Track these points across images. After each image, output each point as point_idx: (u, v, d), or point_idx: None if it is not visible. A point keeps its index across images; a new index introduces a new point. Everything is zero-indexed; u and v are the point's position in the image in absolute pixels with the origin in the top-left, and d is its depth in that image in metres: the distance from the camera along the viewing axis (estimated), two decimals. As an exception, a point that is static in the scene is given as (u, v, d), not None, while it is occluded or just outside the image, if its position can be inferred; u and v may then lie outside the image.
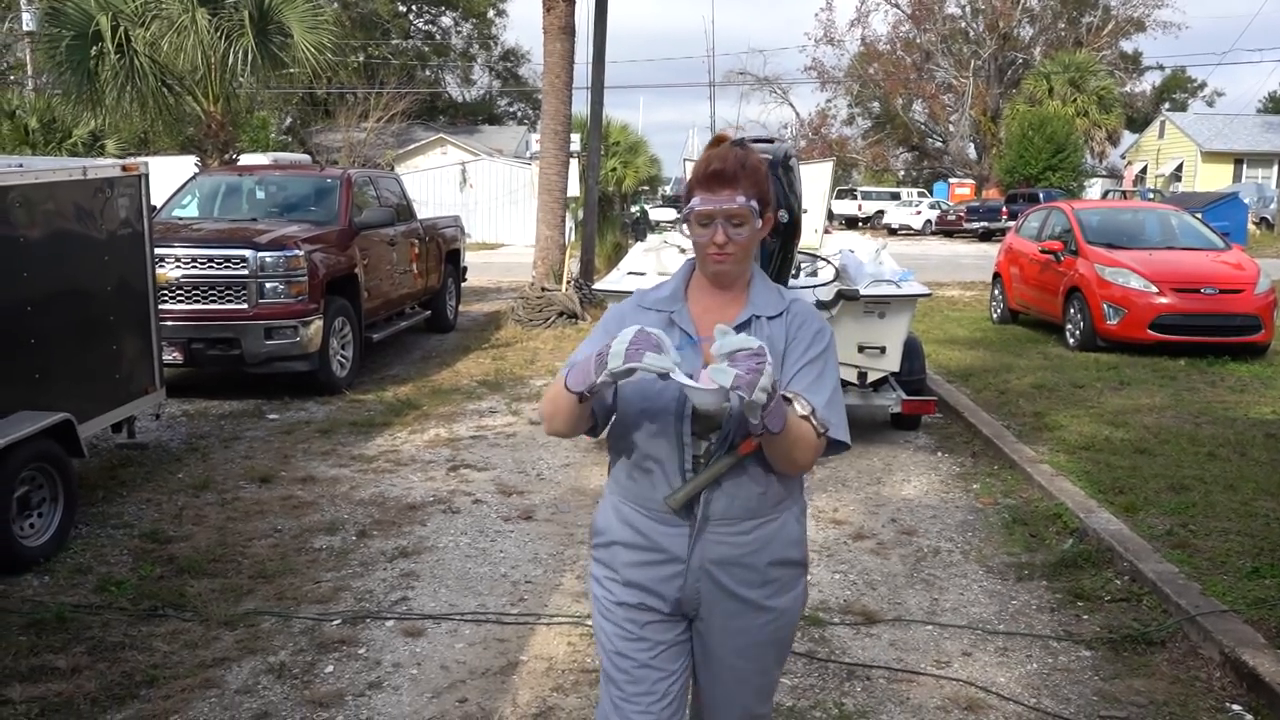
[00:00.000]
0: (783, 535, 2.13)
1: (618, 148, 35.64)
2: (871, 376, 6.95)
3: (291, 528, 5.36)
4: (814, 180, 8.05)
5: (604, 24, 13.42)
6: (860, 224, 41.25)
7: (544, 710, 3.56)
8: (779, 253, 5.84)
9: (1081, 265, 11.07)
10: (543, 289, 12.86)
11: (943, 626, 4.26)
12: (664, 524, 2.10)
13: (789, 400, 1.95)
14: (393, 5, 48.37)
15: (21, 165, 5.27)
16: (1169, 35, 58.36)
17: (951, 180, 46.32)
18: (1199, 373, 9.54)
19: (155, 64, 13.76)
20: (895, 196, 43.85)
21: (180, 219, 9.42)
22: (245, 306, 8.01)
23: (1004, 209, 33.27)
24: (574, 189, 14.50)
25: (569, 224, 14.86)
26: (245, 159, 16.12)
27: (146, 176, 6.15)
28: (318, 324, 8.23)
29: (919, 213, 39.55)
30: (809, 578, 4.64)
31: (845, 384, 6.92)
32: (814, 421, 1.97)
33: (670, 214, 25.35)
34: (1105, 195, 38.08)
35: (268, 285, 8.03)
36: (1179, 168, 43.64)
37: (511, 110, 57.28)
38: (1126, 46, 50.32)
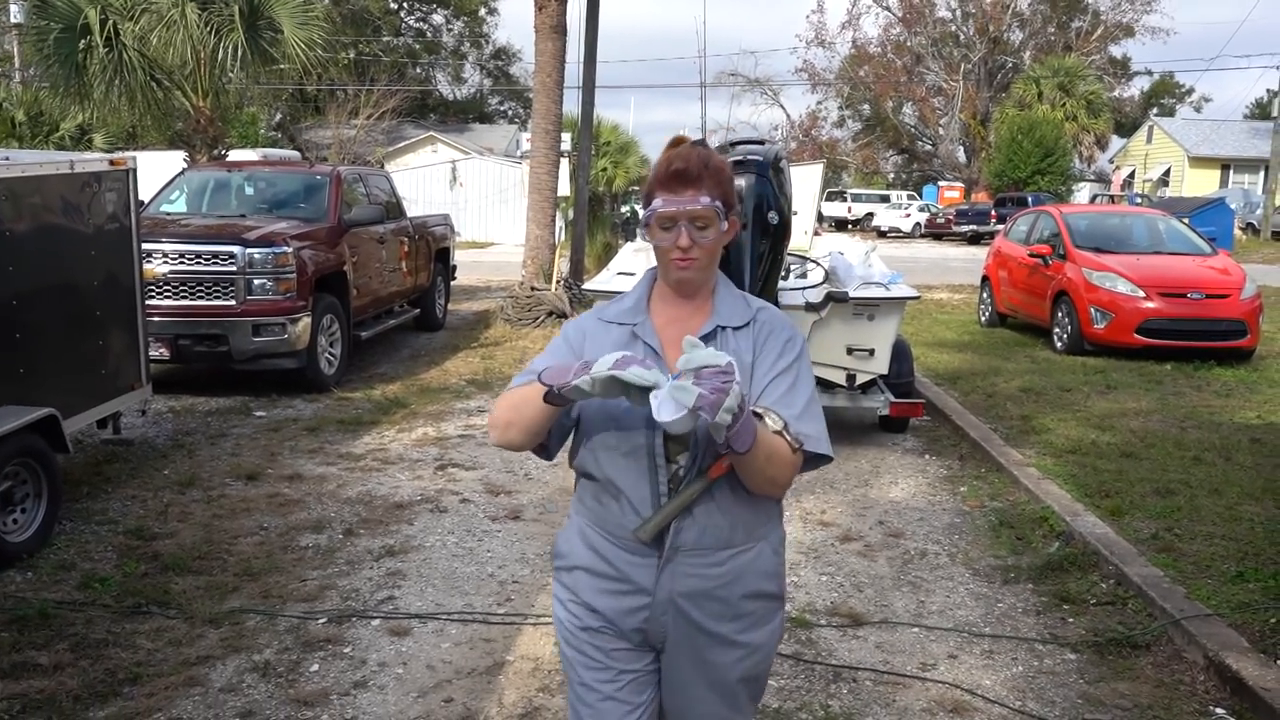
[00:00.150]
0: (758, 566, 2.01)
1: (608, 148, 35.66)
2: (860, 379, 6.97)
3: (278, 526, 5.34)
4: (804, 182, 8.05)
5: (595, 23, 13.42)
6: (850, 226, 41.31)
7: (530, 710, 3.55)
8: (769, 254, 5.84)
9: (1069, 269, 11.11)
10: (532, 288, 12.84)
11: (929, 629, 4.27)
12: (631, 552, 1.97)
13: (759, 416, 1.83)
14: (384, 2, 48.25)
15: (8, 158, 5.24)
16: (1157, 41, 58.64)
17: (941, 183, 46.48)
18: (1185, 377, 9.59)
19: (144, 58, 13.67)
20: (885, 199, 43.95)
21: (168, 214, 9.37)
22: (233, 303, 7.97)
23: (993, 212, 33.38)
24: (564, 188, 14.47)
25: (559, 223, 14.84)
26: (234, 155, 16.04)
27: (134, 171, 6.12)
28: (306, 321, 8.20)
29: (908, 215, 39.65)
30: (795, 579, 4.68)
31: (833, 386, 6.94)
32: (787, 437, 1.86)
33: None
34: (1093, 199, 38.22)
35: (256, 282, 7.99)
36: (1167, 173, 43.91)
37: (502, 109, 57.22)
38: (1115, 51, 50.58)
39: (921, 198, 44.77)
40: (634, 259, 8.29)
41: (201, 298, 7.98)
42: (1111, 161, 48.43)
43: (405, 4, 51.85)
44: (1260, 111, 57.27)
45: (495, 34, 56.19)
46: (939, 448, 7.25)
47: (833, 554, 5.13)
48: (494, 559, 4.97)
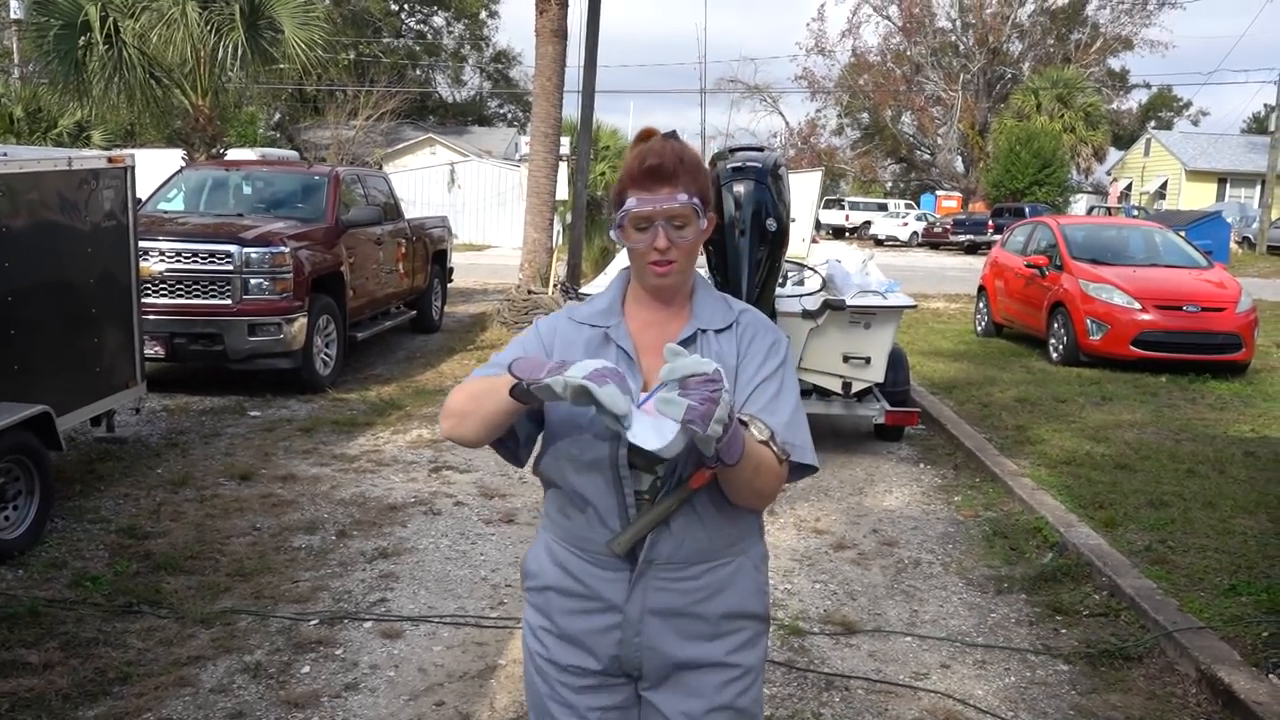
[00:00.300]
0: (738, 583, 1.88)
1: (607, 152, 35.67)
2: (856, 387, 6.97)
3: (270, 526, 5.32)
4: (802, 189, 8.06)
5: (596, 28, 13.42)
6: (847, 234, 41.39)
7: (521, 714, 3.54)
8: (766, 261, 5.84)
9: (1066, 280, 11.13)
10: (529, 291, 12.83)
11: (922, 638, 4.27)
12: (601, 567, 1.84)
13: (744, 424, 1.70)
14: (384, 4, 48.29)
15: (6, 154, 5.23)
16: (1156, 54, 58.97)
17: (939, 193, 46.54)
18: (1180, 390, 9.61)
19: (144, 56, 13.66)
20: (882, 208, 43.99)
21: (165, 212, 9.36)
22: (229, 302, 7.96)
23: (990, 222, 33.43)
24: (563, 192, 14.48)
25: (557, 227, 14.85)
26: (232, 154, 16.05)
27: (132, 169, 6.11)
28: (302, 321, 8.19)
29: (905, 224, 39.69)
30: (789, 587, 4.68)
31: (829, 393, 6.94)
32: (774, 447, 1.73)
33: None
34: (1090, 211, 38.33)
35: (252, 281, 7.98)
36: (1163, 185, 44.02)
37: (501, 112, 57.27)
38: (1114, 64, 50.76)
39: (919, 207, 44.83)
40: (631, 264, 8.27)
41: (197, 296, 7.97)
42: (1109, 173, 48.55)
43: (406, 5, 51.89)
44: (1257, 126, 57.50)
45: (495, 37, 56.35)
46: (934, 457, 7.26)
47: (826, 562, 5.13)
48: (487, 562, 4.96)
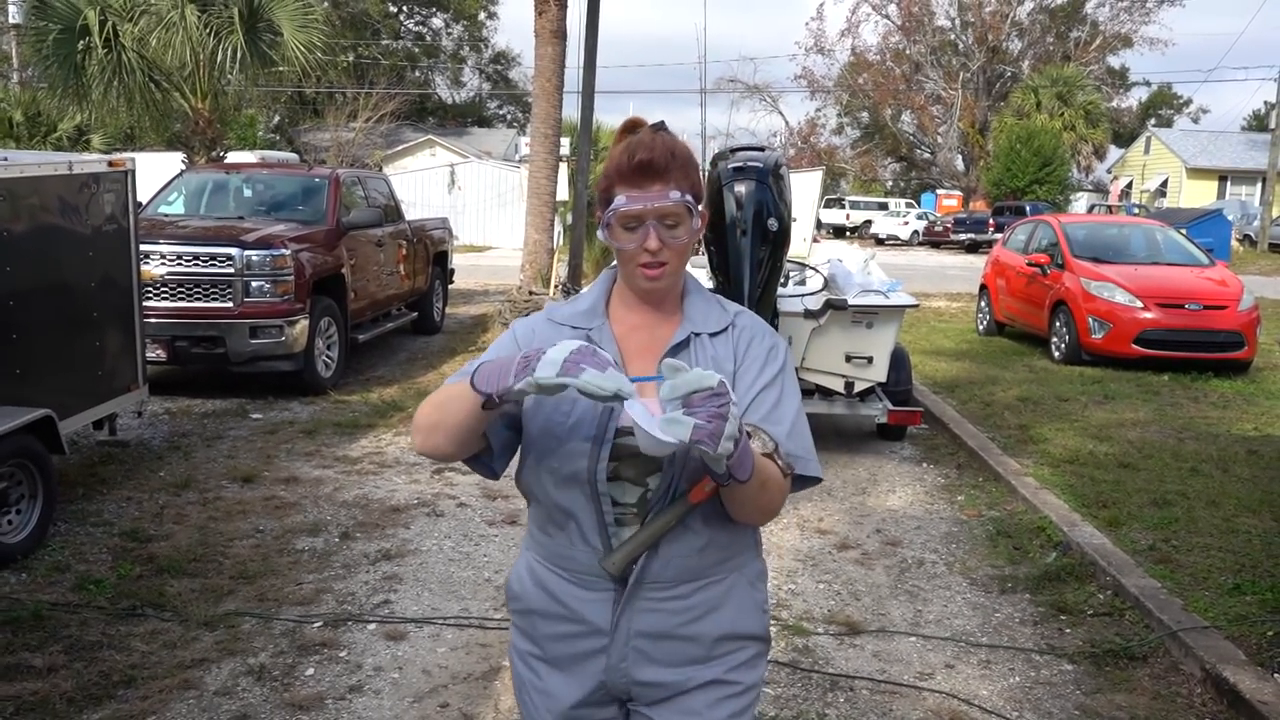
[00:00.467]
0: (733, 601, 1.75)
1: (607, 152, 35.64)
2: (858, 386, 6.96)
3: (274, 528, 5.32)
4: (803, 189, 8.06)
5: (596, 28, 13.41)
6: (848, 233, 41.38)
7: (526, 717, 3.54)
8: (768, 261, 5.83)
9: (1067, 279, 11.12)
10: (530, 292, 12.82)
11: (926, 638, 4.26)
12: (584, 588, 1.72)
13: (748, 435, 1.59)
14: (383, 5, 48.28)
15: (6, 159, 5.23)
16: (1156, 52, 58.98)
17: (939, 191, 46.54)
18: (1182, 388, 9.60)
19: (143, 59, 13.66)
20: (883, 207, 44.00)
21: (166, 216, 9.36)
22: (230, 305, 7.96)
23: (991, 221, 33.43)
24: (563, 193, 14.47)
25: (557, 228, 14.84)
26: (232, 157, 16.04)
27: (133, 172, 6.11)
28: (303, 324, 8.19)
29: (906, 223, 39.70)
30: (792, 587, 4.67)
31: (831, 393, 6.93)
32: (779, 460, 1.62)
33: None
34: (1091, 209, 38.31)
35: (253, 284, 7.98)
36: (1164, 183, 43.99)
37: (501, 113, 57.28)
38: (1114, 62, 50.74)
39: (920, 206, 44.83)
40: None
41: (199, 299, 7.97)
42: (1109, 171, 48.54)
43: (405, 7, 51.90)
44: (1258, 123, 57.48)
45: (495, 38, 56.47)
46: (936, 456, 7.25)
47: (830, 562, 5.12)
48: (490, 563, 4.95)
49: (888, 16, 48.97)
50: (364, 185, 10.56)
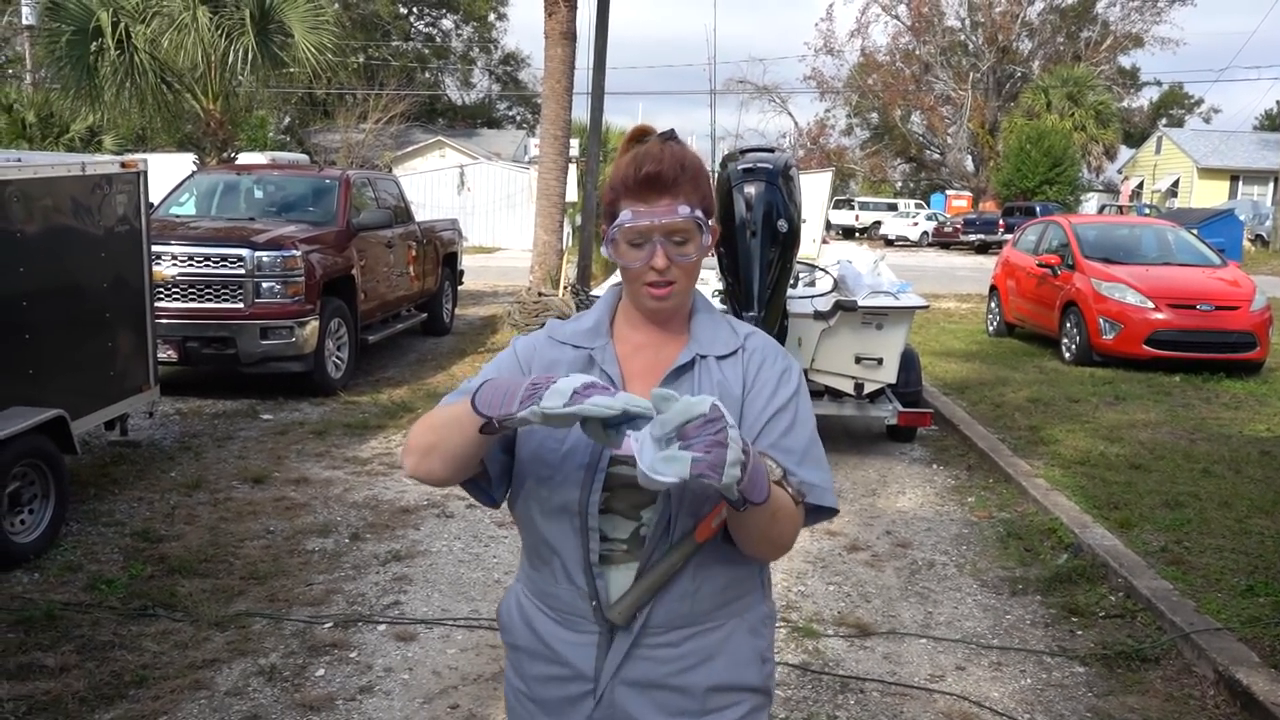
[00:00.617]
0: (730, 650, 1.61)
1: (616, 153, 35.68)
2: (868, 387, 6.95)
3: (284, 529, 5.33)
4: (813, 190, 8.05)
5: (605, 29, 13.42)
6: (857, 234, 41.32)
7: (536, 718, 3.54)
8: (778, 262, 5.83)
9: (1078, 279, 11.09)
10: (539, 294, 12.84)
11: (937, 640, 4.25)
12: (568, 629, 1.61)
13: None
14: (394, 7, 48.42)
15: (20, 160, 5.25)
16: (1167, 51, 58.75)
17: (949, 192, 46.46)
18: (1194, 389, 9.56)
19: (155, 61, 13.72)
20: (892, 207, 43.91)
21: (178, 217, 9.40)
22: (241, 306, 7.99)
23: (1001, 222, 33.38)
24: (572, 194, 14.48)
25: (567, 229, 14.84)
26: (243, 158, 16.10)
27: (145, 173, 6.13)
28: (313, 325, 8.21)
29: (916, 224, 39.61)
30: (802, 589, 4.66)
31: (841, 394, 6.92)
32: (787, 487, 1.53)
33: None
34: (1102, 210, 38.18)
35: (264, 285, 8.00)
36: (1175, 183, 43.83)
37: (510, 114, 57.38)
38: (1124, 62, 50.64)
39: (929, 206, 44.75)
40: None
41: (210, 300, 8.00)
42: (1120, 172, 48.38)
43: (415, 9, 52.02)
44: (1270, 123, 57.21)
45: (504, 39, 56.61)
46: (947, 458, 7.23)
47: (840, 563, 5.11)
48: (500, 564, 4.96)
49: (897, 17, 48.98)
50: (374, 186, 10.59)
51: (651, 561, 1.55)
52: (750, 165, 5.78)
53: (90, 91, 13.79)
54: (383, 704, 3.61)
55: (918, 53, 48.90)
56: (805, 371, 6.68)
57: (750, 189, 5.72)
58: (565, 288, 13.07)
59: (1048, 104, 41.50)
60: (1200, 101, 63.22)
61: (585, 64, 13.38)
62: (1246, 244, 29.00)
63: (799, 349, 6.69)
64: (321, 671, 3.81)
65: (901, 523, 5.78)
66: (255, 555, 4.95)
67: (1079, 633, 4.34)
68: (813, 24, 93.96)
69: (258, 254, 8.01)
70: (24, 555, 4.71)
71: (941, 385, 9.49)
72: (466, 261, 14.10)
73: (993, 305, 13.50)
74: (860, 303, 6.70)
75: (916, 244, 38.25)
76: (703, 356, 1.64)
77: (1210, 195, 40.87)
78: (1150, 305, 10.39)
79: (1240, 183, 42.78)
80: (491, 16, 52.89)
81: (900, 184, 56.76)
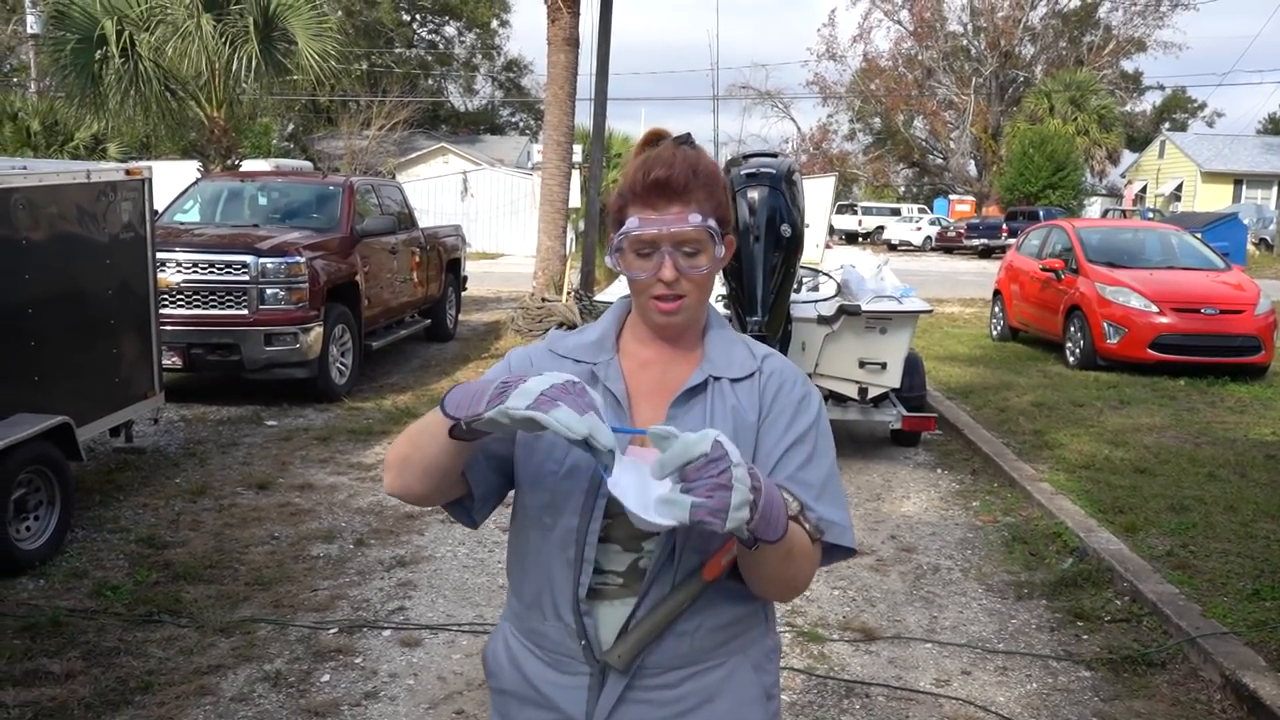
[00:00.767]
0: (732, 690, 1.50)
1: (619, 159, 35.72)
2: (872, 392, 6.94)
3: (289, 535, 5.34)
4: (816, 195, 8.05)
5: (608, 36, 13.45)
6: (860, 239, 41.31)
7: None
8: (781, 267, 5.83)
9: (1082, 284, 11.08)
10: (543, 299, 12.85)
11: (942, 644, 4.24)
12: (556, 669, 1.50)
13: None
14: (396, 14, 48.54)
15: (25, 168, 5.27)
16: (1169, 55, 58.95)
17: (952, 197, 46.44)
18: (1199, 393, 9.54)
19: (159, 69, 13.76)
20: (896, 212, 43.93)
21: (182, 224, 9.42)
22: (245, 312, 8.00)
23: (1004, 226, 33.36)
24: (575, 200, 14.51)
25: (570, 235, 14.87)
26: (247, 165, 16.14)
27: (150, 181, 6.15)
28: (318, 331, 8.22)
29: (919, 229, 39.62)
30: (807, 594, 4.66)
31: (845, 399, 6.91)
32: (804, 523, 1.42)
33: None
34: (1105, 214, 38.17)
35: (268, 291, 8.02)
36: (1179, 188, 43.80)
37: (514, 120, 57.44)
38: (1127, 66, 50.63)
39: (932, 211, 44.74)
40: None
41: (214, 307, 8.01)
42: (1123, 176, 48.36)
43: (418, 16, 52.14)
44: (1273, 127, 57.15)
45: (507, 46, 56.78)
46: (951, 462, 7.22)
47: (844, 568, 5.11)
48: (504, 570, 4.95)
49: (900, 22, 49.02)
50: (377, 193, 10.61)
51: (650, 598, 1.44)
52: (753, 170, 5.79)
53: (95, 99, 13.84)
54: (388, 709, 3.61)
55: (920, 58, 48.93)
56: (808, 377, 6.69)
57: (753, 194, 5.72)
58: (568, 293, 13.08)
59: (1050, 108, 41.52)
60: (1203, 106, 63.28)
61: (588, 70, 13.41)
62: (1250, 248, 28.96)
63: (803, 353, 6.70)
64: (326, 677, 3.82)
65: (906, 527, 5.78)
66: (260, 561, 4.95)
67: (1084, 637, 4.33)
68: (815, 29, 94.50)
69: (262, 260, 8.02)
70: (29, 562, 4.72)
71: (945, 390, 9.48)
72: (470, 267, 14.12)
73: (996, 310, 13.49)
74: (864, 307, 6.70)
75: (920, 249, 38.26)
76: (716, 378, 1.52)
77: (1214, 199, 40.82)
78: (1154, 309, 10.38)
79: (1244, 187, 42.75)
80: (494, 23, 53.00)
81: (903, 189, 56.75)
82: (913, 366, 7.24)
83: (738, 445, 1.42)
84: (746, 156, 6.16)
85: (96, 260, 5.67)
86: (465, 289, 13.31)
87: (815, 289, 7.38)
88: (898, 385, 6.99)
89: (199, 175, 12.46)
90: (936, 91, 48.16)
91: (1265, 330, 10.34)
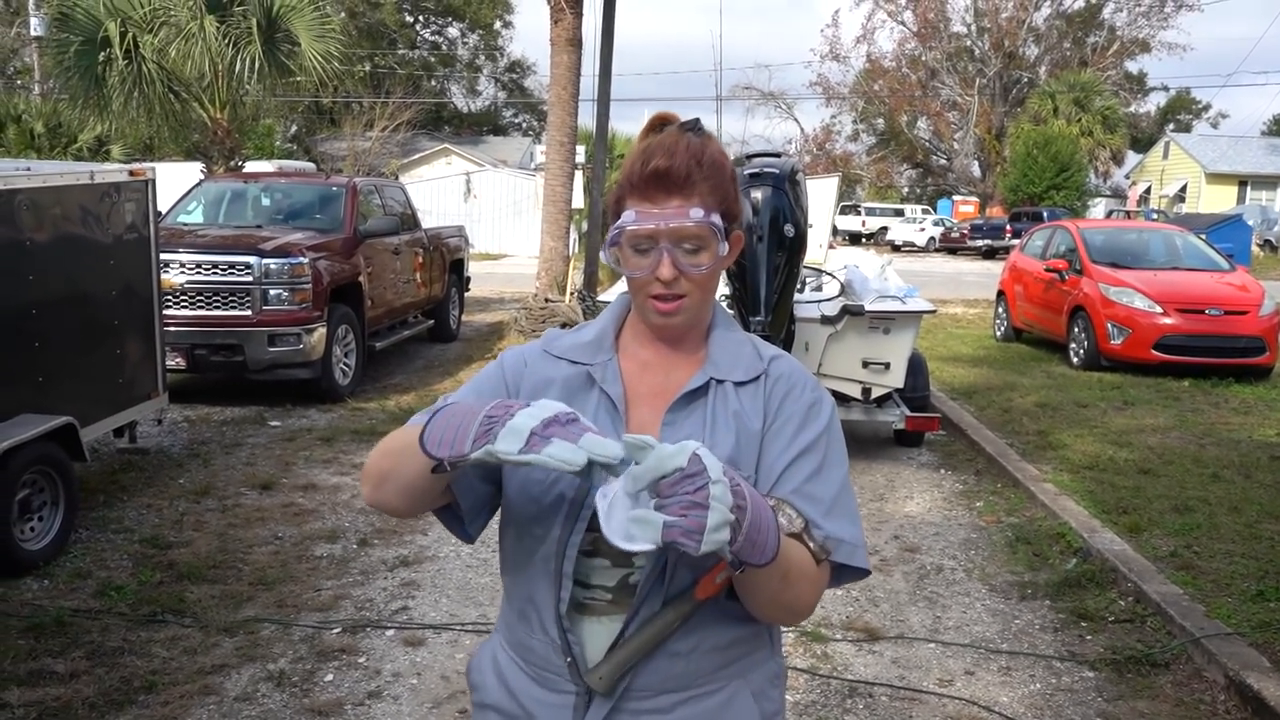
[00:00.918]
0: (731, 718, 1.39)
1: (622, 160, 35.68)
2: (875, 392, 6.94)
3: (292, 535, 5.34)
4: (820, 195, 8.05)
5: (611, 37, 13.45)
6: (864, 240, 41.30)
7: None
8: (785, 268, 5.83)
9: (1086, 284, 11.07)
10: (546, 300, 12.85)
11: (945, 645, 4.24)
12: (544, 687, 1.40)
13: (771, 509, 1.27)
14: (400, 15, 48.59)
15: (29, 169, 5.28)
16: (1174, 56, 58.81)
17: (956, 198, 46.44)
18: (1203, 394, 9.53)
19: (162, 70, 13.79)
20: (899, 213, 43.91)
21: (185, 225, 9.43)
22: (249, 313, 8.01)
23: (1008, 227, 33.33)
24: (578, 200, 14.51)
25: (573, 235, 14.88)
26: (250, 166, 16.17)
27: (153, 182, 6.16)
28: (321, 331, 8.23)
29: (923, 229, 39.61)
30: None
31: (848, 399, 6.90)
32: (810, 543, 1.31)
33: None
34: (1109, 215, 38.12)
35: (272, 292, 8.03)
36: (1183, 189, 43.76)
37: (516, 121, 57.49)
38: (1131, 67, 50.57)
39: (936, 212, 44.71)
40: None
41: (218, 308, 8.02)
42: (1128, 177, 48.31)
43: (421, 17, 52.20)
44: (1278, 128, 57.09)
45: (510, 47, 56.81)
46: (955, 462, 7.22)
47: (848, 568, 5.10)
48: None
49: (903, 23, 48.99)
50: (381, 194, 10.62)
51: (640, 617, 1.33)
52: (757, 170, 5.79)
53: (98, 101, 13.87)
54: (391, 709, 3.61)
55: (924, 58, 48.89)
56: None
57: (757, 193, 5.72)
58: (572, 294, 13.08)
59: (1054, 109, 41.47)
60: (1208, 107, 63.19)
61: (591, 71, 13.42)
62: (1255, 249, 28.93)
63: (806, 353, 6.69)
64: (330, 677, 3.82)
65: (909, 527, 5.77)
66: (264, 561, 4.95)
67: (1088, 637, 4.33)
68: (819, 30, 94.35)
69: (265, 261, 8.03)
70: (34, 562, 4.72)
71: (949, 390, 9.47)
72: (473, 268, 14.13)
73: (1000, 310, 13.48)
74: (867, 307, 6.70)
75: (923, 249, 38.24)
76: (719, 381, 1.42)
77: (1218, 200, 40.79)
78: (1158, 310, 10.36)
79: (1248, 188, 42.72)
80: (497, 24, 53.05)
81: (907, 189, 56.74)
82: (916, 367, 7.24)
83: (740, 455, 1.37)
84: (750, 157, 6.17)
85: (100, 261, 5.68)
86: (468, 290, 13.33)
87: (819, 289, 7.38)
88: (901, 385, 6.99)
89: (202, 176, 12.47)
90: (940, 92, 48.14)
91: (1270, 331, 10.32)
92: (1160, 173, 45.66)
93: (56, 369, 5.24)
